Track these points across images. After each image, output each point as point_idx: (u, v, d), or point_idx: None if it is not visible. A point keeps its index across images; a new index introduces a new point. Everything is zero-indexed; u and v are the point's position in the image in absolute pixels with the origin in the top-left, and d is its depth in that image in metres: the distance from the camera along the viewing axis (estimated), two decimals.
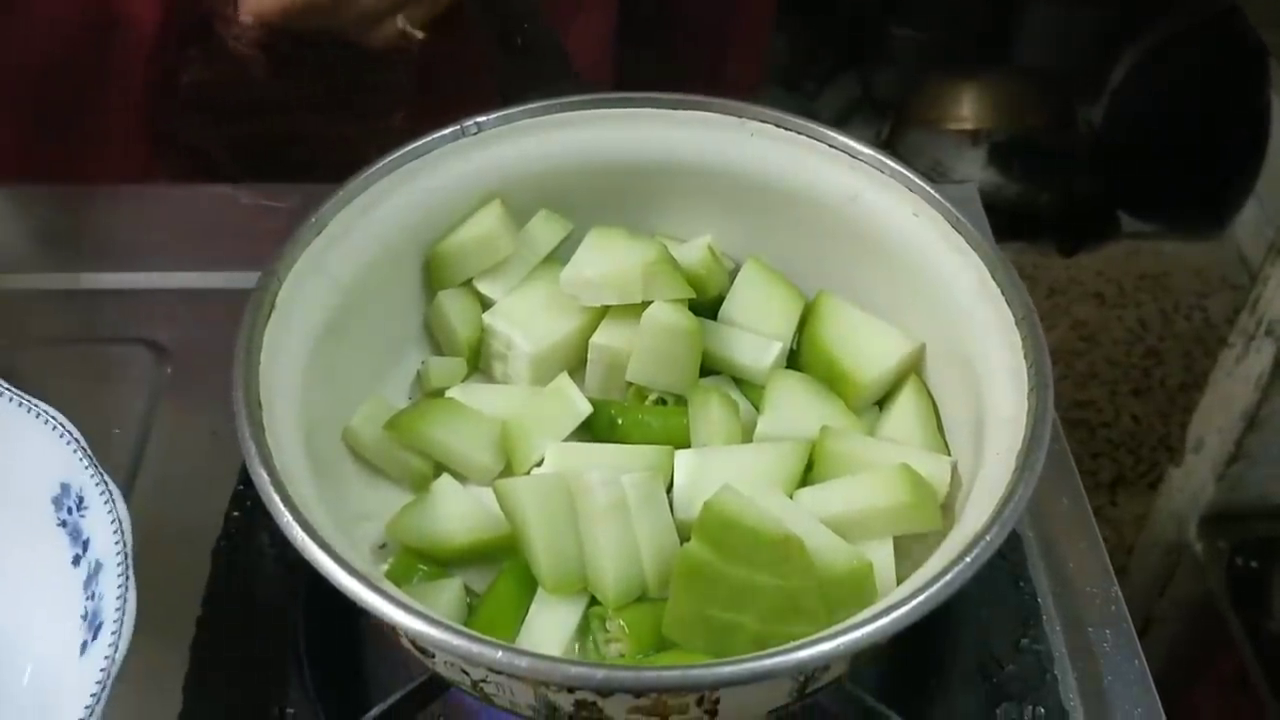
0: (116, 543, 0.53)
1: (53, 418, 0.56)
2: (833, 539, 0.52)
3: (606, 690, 0.45)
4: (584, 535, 0.53)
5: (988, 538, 0.47)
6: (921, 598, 0.46)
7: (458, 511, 0.56)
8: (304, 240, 0.58)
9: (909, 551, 0.56)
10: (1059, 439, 0.70)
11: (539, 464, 0.58)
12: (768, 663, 0.44)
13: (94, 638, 0.52)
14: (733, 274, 0.66)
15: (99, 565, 0.53)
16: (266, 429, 0.51)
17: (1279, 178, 1.89)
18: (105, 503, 0.54)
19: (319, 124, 0.84)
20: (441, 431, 0.59)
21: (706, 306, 0.64)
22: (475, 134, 0.63)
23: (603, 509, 0.53)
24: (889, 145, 1.97)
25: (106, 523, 0.53)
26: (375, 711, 0.52)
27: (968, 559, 0.47)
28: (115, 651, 0.50)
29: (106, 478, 0.54)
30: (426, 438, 0.59)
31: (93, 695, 0.48)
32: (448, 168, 0.62)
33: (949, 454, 0.59)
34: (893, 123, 1.94)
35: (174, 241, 0.79)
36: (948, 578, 0.46)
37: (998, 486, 0.50)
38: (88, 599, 0.54)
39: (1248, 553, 1.20)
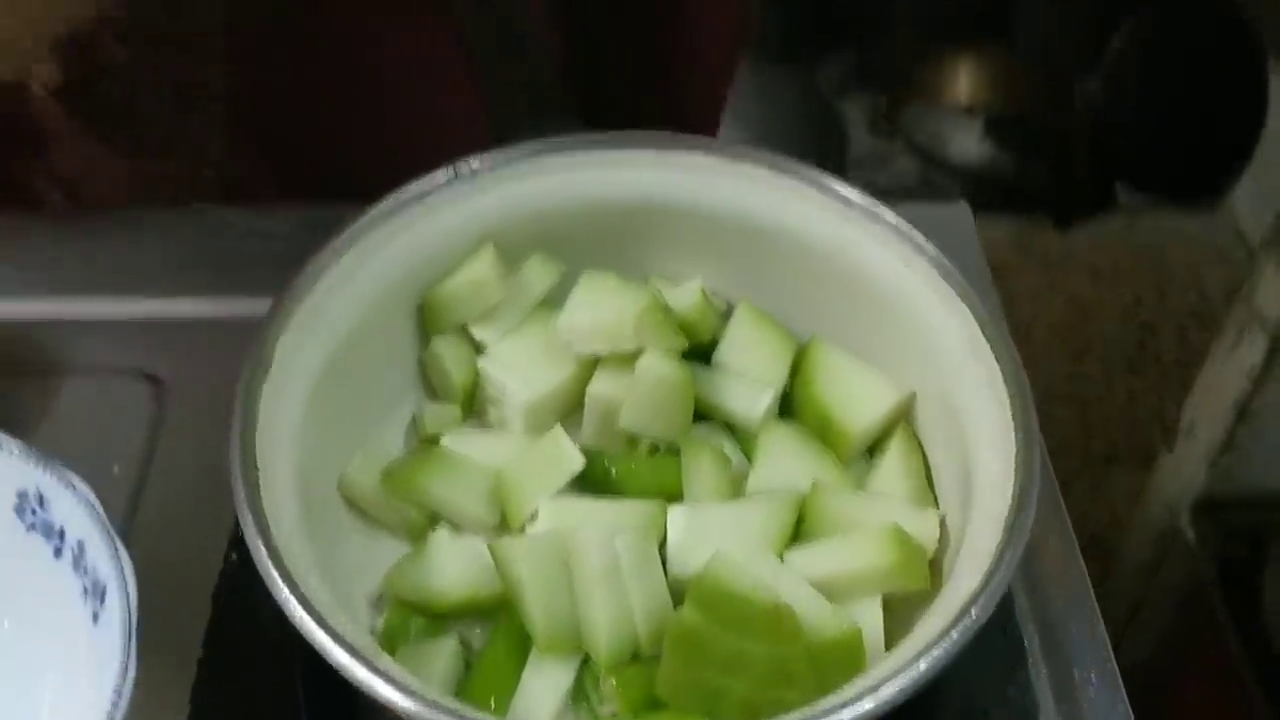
0: (90, 516, 0.54)
1: None
2: (822, 604, 0.53)
3: None
4: (578, 597, 0.54)
5: (973, 613, 0.48)
6: (904, 678, 0.47)
7: (453, 567, 0.57)
8: (299, 295, 0.58)
9: (897, 608, 0.56)
10: (1045, 464, 0.70)
11: (534, 517, 0.59)
12: None
13: (102, 603, 0.54)
14: (725, 315, 0.66)
15: (81, 544, 0.55)
16: (263, 494, 0.52)
17: (1276, 150, 1.88)
18: (65, 488, 0.55)
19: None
20: (436, 484, 0.59)
21: (700, 351, 0.64)
22: (469, 177, 0.63)
23: (597, 572, 0.53)
24: (887, 119, 1.96)
25: (73, 505, 0.55)
26: None
27: (953, 634, 0.48)
28: (128, 603, 0.52)
29: (57, 466, 0.55)
30: (421, 491, 0.59)
31: (122, 650, 0.51)
32: (441, 212, 0.63)
33: (937, 505, 0.60)
34: (890, 96, 1.93)
35: (165, 267, 0.78)
36: (935, 653, 0.47)
37: (984, 557, 0.51)
38: (82, 575, 0.55)
39: (1239, 541, 1.21)
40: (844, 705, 0.46)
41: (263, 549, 0.49)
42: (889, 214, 0.61)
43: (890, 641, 0.55)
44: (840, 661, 0.52)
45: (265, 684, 0.60)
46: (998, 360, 0.56)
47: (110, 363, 0.74)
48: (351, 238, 0.60)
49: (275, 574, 0.49)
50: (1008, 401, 0.55)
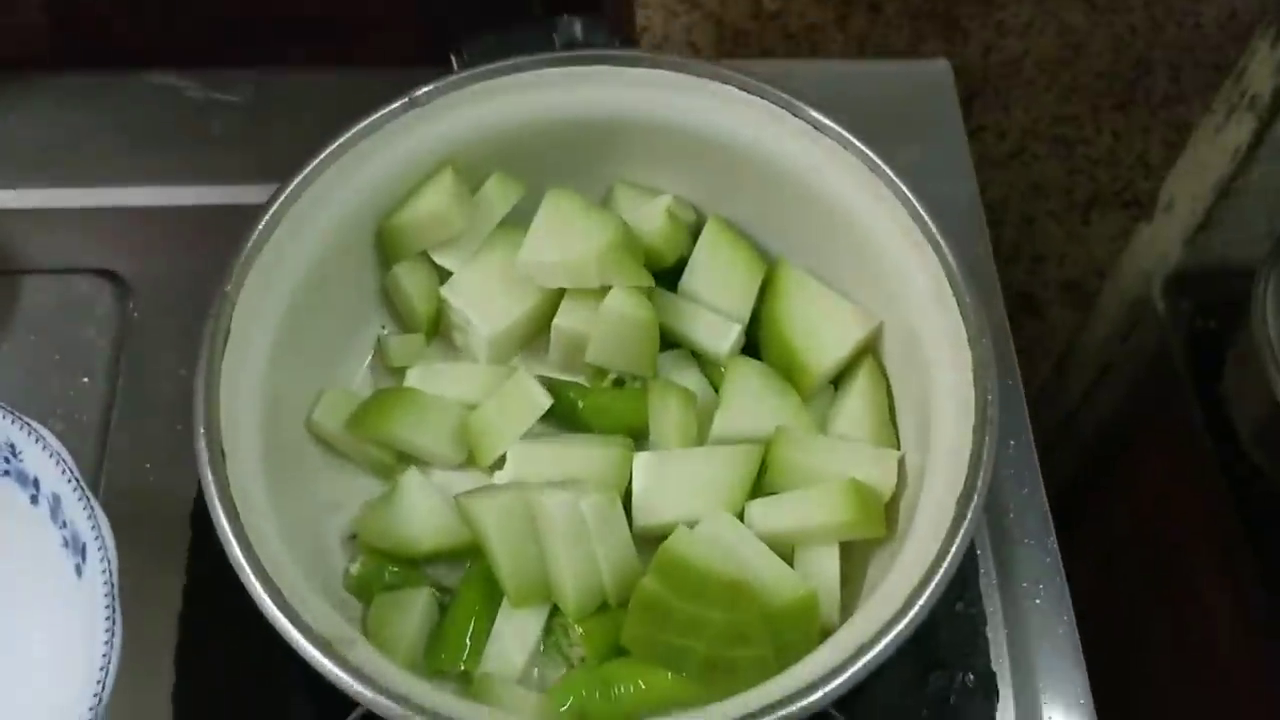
0: (63, 472, 0.55)
1: None
2: (779, 568, 0.55)
3: None
4: (546, 555, 0.56)
5: (920, 603, 0.50)
6: (858, 665, 0.49)
7: (424, 515, 0.59)
8: (258, 242, 0.57)
9: (854, 547, 0.58)
10: (1011, 366, 0.71)
11: (501, 459, 0.60)
12: None
13: (83, 559, 0.56)
14: (695, 227, 0.65)
15: (57, 498, 0.56)
16: (231, 478, 0.53)
17: None
18: (36, 441, 0.56)
19: None
20: (403, 427, 0.60)
21: (667, 272, 0.64)
22: (424, 104, 0.60)
23: (563, 532, 0.55)
24: None
25: (45, 459, 0.56)
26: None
27: (900, 625, 0.50)
28: (108, 564, 0.53)
29: (24, 419, 0.56)
30: (388, 433, 0.60)
31: (107, 609, 0.52)
32: (397, 142, 0.61)
33: (898, 443, 0.61)
34: None
35: (117, 149, 0.76)
36: (882, 643, 0.50)
37: (934, 537, 0.52)
38: (60, 528, 0.57)
39: (1207, 314, 1.23)
40: (810, 688, 0.49)
41: (234, 543, 0.51)
42: (861, 144, 0.59)
43: (846, 580, 0.58)
44: (795, 622, 0.55)
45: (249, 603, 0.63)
46: (964, 319, 0.56)
47: (72, 261, 0.72)
48: (308, 180, 0.58)
49: (247, 567, 0.50)
50: (970, 364, 0.55)
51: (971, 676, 0.62)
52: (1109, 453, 1.37)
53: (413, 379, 0.62)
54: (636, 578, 0.55)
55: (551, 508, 0.55)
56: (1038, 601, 0.65)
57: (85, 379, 0.68)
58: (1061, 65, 1.87)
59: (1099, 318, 1.39)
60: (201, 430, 0.53)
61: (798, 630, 0.54)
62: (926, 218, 0.58)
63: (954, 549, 0.51)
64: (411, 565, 0.59)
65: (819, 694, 0.49)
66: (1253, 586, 1.04)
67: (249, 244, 0.57)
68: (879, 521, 0.57)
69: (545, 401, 0.60)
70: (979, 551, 0.65)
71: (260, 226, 0.57)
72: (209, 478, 0.52)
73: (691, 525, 0.56)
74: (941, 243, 0.57)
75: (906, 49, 1.82)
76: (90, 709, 0.51)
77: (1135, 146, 1.86)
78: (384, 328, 0.65)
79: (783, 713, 0.48)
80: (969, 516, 0.52)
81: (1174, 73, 1.91)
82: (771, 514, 0.57)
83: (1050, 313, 1.73)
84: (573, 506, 0.55)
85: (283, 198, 0.58)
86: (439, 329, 0.64)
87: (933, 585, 0.50)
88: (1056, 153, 1.85)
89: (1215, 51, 1.95)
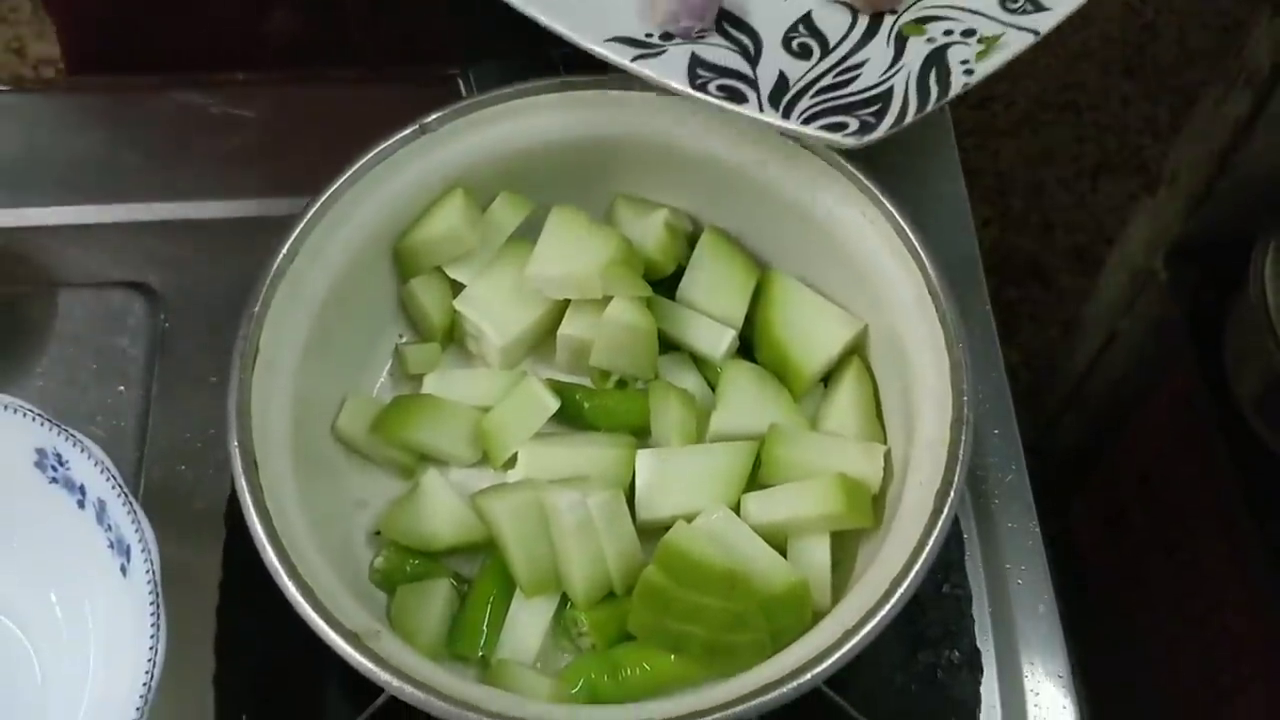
0: (106, 479, 0.60)
1: None
2: (773, 558, 0.60)
3: None
4: (556, 549, 0.60)
5: (901, 589, 0.54)
6: (845, 648, 0.54)
7: (443, 513, 0.63)
8: (282, 265, 0.61)
9: (844, 540, 0.63)
10: (995, 359, 0.75)
11: (513, 458, 0.64)
12: None
13: (128, 559, 0.60)
14: (692, 237, 0.69)
15: (102, 503, 0.61)
16: (264, 483, 0.57)
17: None
18: (81, 451, 0.61)
19: None
20: (421, 430, 0.65)
21: (666, 280, 0.68)
22: (435, 130, 0.64)
23: (571, 528, 0.59)
24: None
25: (90, 466, 0.60)
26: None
27: (884, 611, 0.54)
28: (151, 564, 0.58)
29: (70, 430, 0.60)
30: (408, 437, 0.65)
31: (151, 605, 0.57)
32: (410, 165, 0.65)
33: (885, 438, 0.65)
34: None
35: (143, 166, 0.80)
36: (867, 628, 0.54)
37: (915, 525, 0.56)
38: (106, 530, 0.62)
39: (1209, 284, 1.25)
40: (802, 670, 0.53)
41: (272, 554, 0.55)
42: (846, 163, 0.63)
43: (837, 565, 0.62)
44: (789, 608, 0.59)
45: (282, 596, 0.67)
46: (943, 328, 0.60)
47: (105, 274, 0.76)
48: (326, 206, 0.62)
49: (287, 580, 0.54)
50: (949, 370, 0.59)
51: (958, 653, 0.66)
52: (1115, 418, 1.40)
53: (430, 385, 0.66)
54: (640, 568, 0.59)
55: (561, 505, 0.59)
56: (1020, 582, 0.69)
57: (121, 387, 0.73)
58: (1070, 32, 1.89)
59: (1104, 287, 1.42)
60: (235, 443, 0.58)
61: (791, 615, 0.59)
62: (910, 232, 0.62)
63: (932, 540, 0.55)
64: (432, 558, 0.64)
65: (809, 675, 0.53)
66: (1251, 545, 1.08)
67: (274, 267, 0.61)
68: (867, 513, 0.61)
69: (553, 404, 0.64)
70: (965, 535, 0.69)
71: (284, 250, 0.61)
72: (243, 485, 0.56)
73: (691, 518, 0.60)
74: (923, 255, 0.61)
75: None
76: (140, 696, 0.56)
77: (1143, 112, 1.88)
78: (401, 336, 0.69)
79: (776, 693, 0.52)
80: (946, 510, 0.56)
81: (1182, 37, 1.92)
82: (765, 506, 0.61)
83: (1059, 279, 1.76)
84: (581, 504, 0.59)
85: (304, 222, 0.62)
86: (453, 337, 0.69)
87: (913, 573, 0.55)
88: (1065, 119, 1.87)
89: (1223, 15, 1.96)
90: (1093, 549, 1.44)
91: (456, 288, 0.67)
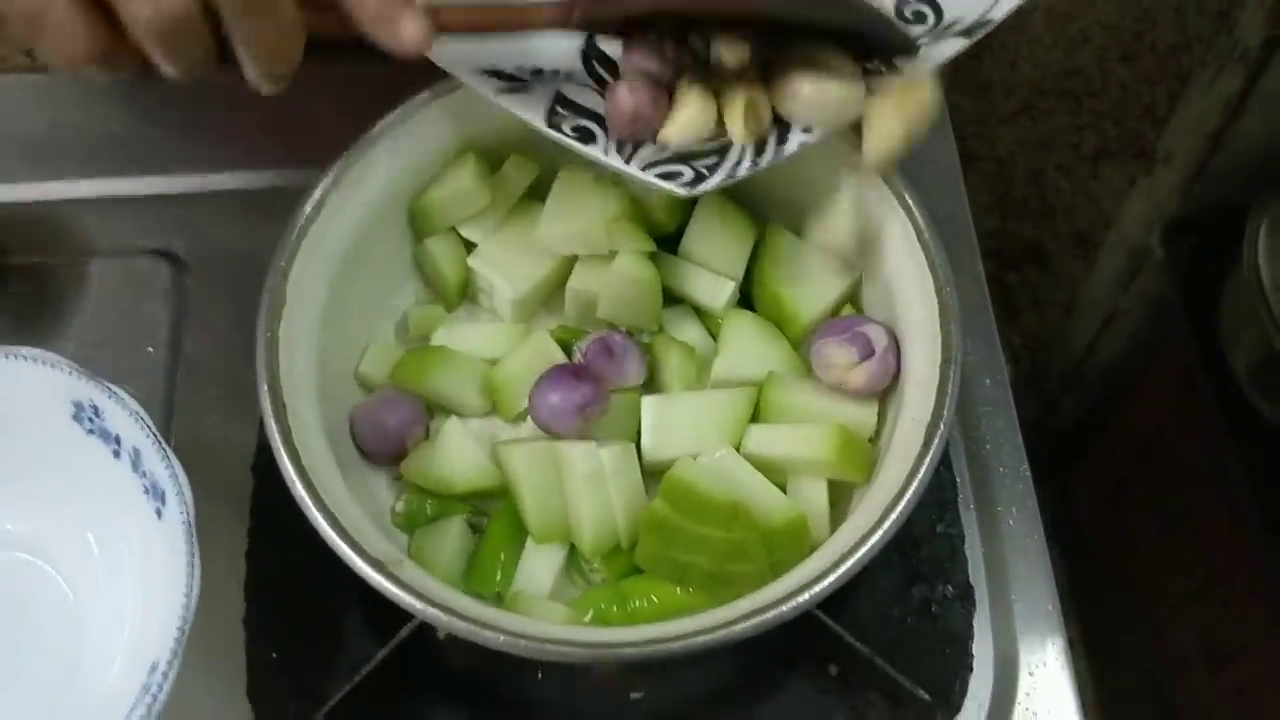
0: (142, 429, 0.63)
1: (33, 356, 0.64)
2: (773, 493, 0.63)
3: None
4: (566, 496, 0.64)
5: (893, 516, 0.58)
6: (839, 571, 0.57)
7: (461, 458, 0.66)
8: (304, 228, 0.64)
9: (841, 486, 0.66)
10: (986, 310, 0.78)
11: (525, 412, 0.68)
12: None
13: (163, 503, 0.64)
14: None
15: (137, 451, 0.64)
16: (292, 425, 0.60)
17: None
18: (116, 402, 0.64)
19: None
20: (436, 379, 0.68)
21: (669, 236, 0.71)
22: (446, 95, 0.68)
23: (582, 475, 0.63)
24: None
25: (125, 416, 0.64)
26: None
27: (876, 536, 0.57)
28: (185, 508, 0.61)
29: (106, 383, 0.63)
30: (424, 385, 0.68)
31: (186, 546, 0.60)
32: (425, 131, 0.68)
33: None
34: None
35: (166, 139, 0.83)
36: (860, 553, 0.57)
37: (907, 459, 0.59)
38: (141, 477, 0.65)
39: (1204, 260, 1.28)
40: (797, 592, 0.56)
41: (301, 488, 0.58)
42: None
43: (835, 501, 0.65)
44: (788, 541, 0.62)
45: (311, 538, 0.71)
46: (931, 269, 0.63)
47: (131, 243, 0.80)
48: (346, 166, 0.66)
49: (312, 506, 0.58)
50: (937, 309, 0.62)
51: (951, 588, 0.69)
52: (1114, 394, 1.42)
53: (440, 338, 0.70)
54: None
55: (575, 454, 0.63)
56: (1011, 523, 0.72)
57: (150, 348, 0.76)
58: (1069, 19, 1.91)
59: (1103, 267, 1.44)
60: (265, 387, 0.61)
61: (790, 548, 0.62)
62: (898, 182, 0.65)
63: (923, 469, 0.58)
64: (450, 503, 0.67)
65: (806, 596, 0.56)
66: (1249, 515, 1.10)
67: (299, 224, 0.64)
68: (862, 467, 0.64)
69: (559, 356, 0.68)
70: (958, 479, 0.73)
71: (308, 208, 0.64)
72: (273, 426, 0.60)
73: (695, 458, 0.63)
74: (910, 201, 0.64)
75: None
76: (178, 629, 0.59)
77: (1143, 98, 1.90)
78: (407, 312, 0.72)
79: (773, 613, 0.56)
80: (935, 441, 0.59)
81: (1179, 22, 1.95)
82: (766, 439, 0.65)
83: (1059, 264, 1.78)
84: (594, 454, 0.63)
85: (326, 182, 0.65)
86: (466, 294, 0.72)
87: (904, 501, 0.58)
88: (1064, 106, 1.89)
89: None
90: (1093, 521, 1.47)
91: (469, 246, 0.71)
